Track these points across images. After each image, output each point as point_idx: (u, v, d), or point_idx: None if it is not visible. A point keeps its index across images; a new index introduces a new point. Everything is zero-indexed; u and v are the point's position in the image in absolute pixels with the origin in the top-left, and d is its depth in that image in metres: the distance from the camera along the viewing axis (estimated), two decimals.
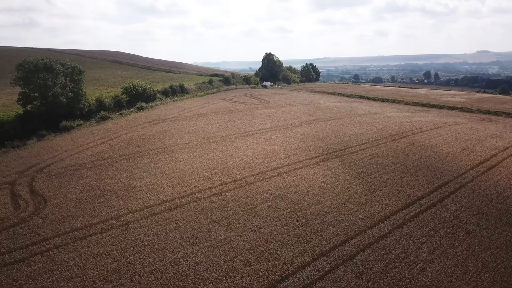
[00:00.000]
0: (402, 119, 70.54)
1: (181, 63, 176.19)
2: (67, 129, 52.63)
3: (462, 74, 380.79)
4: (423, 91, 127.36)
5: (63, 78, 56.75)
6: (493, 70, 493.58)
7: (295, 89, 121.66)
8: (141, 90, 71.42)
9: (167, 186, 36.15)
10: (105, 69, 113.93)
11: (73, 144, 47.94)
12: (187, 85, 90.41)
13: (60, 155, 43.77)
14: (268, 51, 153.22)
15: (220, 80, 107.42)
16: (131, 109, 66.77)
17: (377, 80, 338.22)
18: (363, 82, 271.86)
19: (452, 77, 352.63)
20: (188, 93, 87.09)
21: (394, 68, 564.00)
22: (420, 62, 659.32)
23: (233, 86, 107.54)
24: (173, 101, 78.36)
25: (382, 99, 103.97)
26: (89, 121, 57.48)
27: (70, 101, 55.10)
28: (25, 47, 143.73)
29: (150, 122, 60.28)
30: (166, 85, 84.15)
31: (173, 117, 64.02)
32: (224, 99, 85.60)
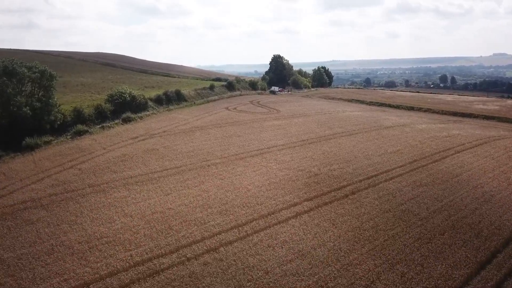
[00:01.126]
0: (437, 132, 61.19)
1: (181, 66, 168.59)
2: (31, 148, 43.65)
3: (479, 78, 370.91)
4: (449, 97, 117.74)
5: (29, 84, 47.86)
6: (511, 73, 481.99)
7: (307, 96, 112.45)
8: (129, 98, 62.54)
9: (145, 235, 26.89)
10: (96, 72, 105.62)
11: (34, 169, 38.87)
12: (184, 91, 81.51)
13: (11, 186, 34.69)
14: (275, 53, 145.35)
15: (223, 86, 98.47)
16: (116, 121, 57.85)
17: (390, 84, 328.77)
18: (377, 87, 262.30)
19: (469, 81, 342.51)
20: (185, 100, 78.15)
21: (407, 72, 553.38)
22: (434, 65, 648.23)
23: (237, 92, 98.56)
24: (167, 110, 69.41)
25: (407, 107, 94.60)
26: (61, 137, 48.51)
27: (38, 112, 46.16)
28: (9, 49, 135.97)
29: (137, 137, 51.24)
30: (161, 91, 75.24)
31: (164, 131, 54.95)
32: (227, 108, 76.49)
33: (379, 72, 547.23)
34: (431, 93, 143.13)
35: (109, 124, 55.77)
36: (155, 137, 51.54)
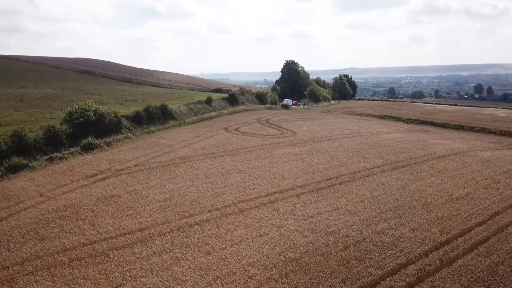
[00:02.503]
0: (510, 164, 49.65)
1: (176, 74, 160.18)
2: None
3: None
4: (499, 112, 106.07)
5: None
6: None
7: (329, 111, 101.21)
8: (94, 117, 51.62)
9: None
10: (68, 82, 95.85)
11: None
12: (173, 106, 70.82)
13: None
14: (288, 59, 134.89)
15: (224, 99, 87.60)
16: (73, 149, 46.82)
17: (418, 95, 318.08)
18: (405, 98, 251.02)
19: (507, 91, 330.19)
20: (173, 118, 67.28)
21: (435, 80, 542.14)
22: (465, 73, 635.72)
23: (241, 107, 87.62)
24: (147, 132, 58.45)
25: (455, 125, 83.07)
26: None
27: None
28: None
29: (95, 175, 40.02)
30: (143, 106, 64.42)
31: (137, 165, 43.71)
32: (226, 129, 65.32)
33: (403, 81, 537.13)
34: (472, 106, 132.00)
35: (61, 155, 44.72)
36: (121, 175, 40.22)
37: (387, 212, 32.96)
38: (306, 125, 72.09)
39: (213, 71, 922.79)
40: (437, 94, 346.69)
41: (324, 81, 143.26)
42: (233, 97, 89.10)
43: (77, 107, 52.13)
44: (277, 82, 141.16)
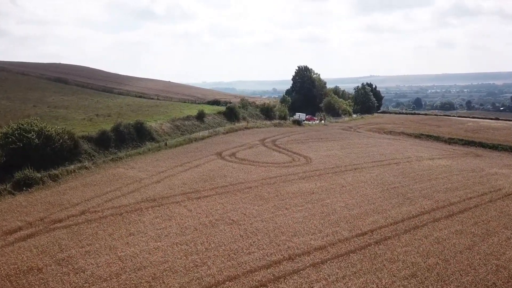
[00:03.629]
0: None
1: (169, 82, 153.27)
2: None
3: None
4: None
5: None
6: None
7: (351, 128, 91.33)
8: (37, 140, 42.09)
9: None
10: (33, 91, 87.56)
11: None
12: (154, 123, 61.42)
13: None
14: (300, 65, 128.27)
15: (220, 113, 78.03)
16: (3, 186, 37.20)
17: (447, 107, 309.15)
18: (434, 111, 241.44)
19: None
20: (152, 139, 57.77)
21: (465, 90, 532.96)
22: (499, 82, 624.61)
23: (241, 124, 77.96)
24: (112, 160, 48.71)
25: (510, 147, 72.60)
26: None
27: None
28: None
29: (17, 230, 30.27)
30: (115, 124, 54.99)
31: (83, 212, 33.88)
32: (219, 154, 55.47)
33: (429, 91, 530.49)
34: None
35: None
36: (57, 230, 30.33)
37: None
38: (324, 148, 61.96)
39: (216, 80, 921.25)
40: (469, 105, 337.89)
41: (343, 91, 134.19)
42: (232, 111, 79.29)
43: (15, 126, 42.60)
44: (288, 92, 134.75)
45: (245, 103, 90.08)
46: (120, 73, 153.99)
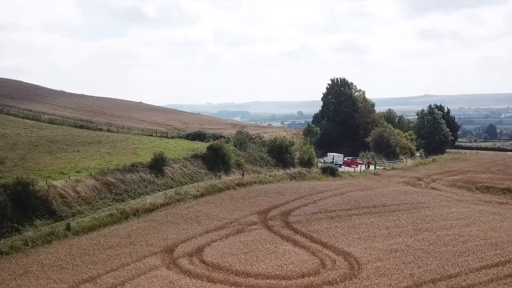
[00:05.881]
0: None
1: (140, 102, 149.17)
2: None
3: None
4: None
5: None
6: None
7: (420, 180, 69.70)
8: None
9: None
10: None
11: None
12: (61, 180, 41.09)
13: None
14: (334, 77, 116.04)
15: (196, 157, 57.20)
16: None
17: None
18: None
19: None
20: (50, 212, 36.33)
21: None
22: None
23: (231, 178, 56.95)
24: None
25: None
26: None
27: None
28: None
29: None
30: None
31: None
32: (169, 252, 33.54)
33: (503, 115, 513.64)
34: None
35: None
36: None
37: None
38: (381, 232, 39.36)
39: (225, 100, 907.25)
40: None
41: (401, 116, 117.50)
42: (216, 153, 57.88)
43: None
44: (316, 118, 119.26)
45: (242, 137, 68.12)
46: (51, 88, 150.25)
